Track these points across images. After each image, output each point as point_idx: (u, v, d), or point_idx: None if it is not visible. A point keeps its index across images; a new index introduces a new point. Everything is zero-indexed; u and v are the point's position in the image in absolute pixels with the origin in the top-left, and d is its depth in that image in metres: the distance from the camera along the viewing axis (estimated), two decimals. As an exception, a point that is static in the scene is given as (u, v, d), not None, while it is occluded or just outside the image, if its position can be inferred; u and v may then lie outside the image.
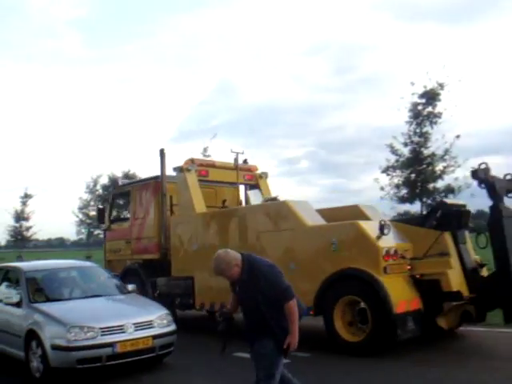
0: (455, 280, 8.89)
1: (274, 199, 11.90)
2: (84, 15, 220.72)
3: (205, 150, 24.08)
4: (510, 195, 9.39)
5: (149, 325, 8.45)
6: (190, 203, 12.14)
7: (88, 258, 29.08)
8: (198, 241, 11.81)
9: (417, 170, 25.94)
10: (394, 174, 26.34)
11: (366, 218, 10.41)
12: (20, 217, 50.40)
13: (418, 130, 26.11)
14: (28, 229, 51.02)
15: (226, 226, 11.21)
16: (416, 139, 26.12)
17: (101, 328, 7.96)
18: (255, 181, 14.05)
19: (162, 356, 8.83)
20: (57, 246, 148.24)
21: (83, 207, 52.92)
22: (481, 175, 9.06)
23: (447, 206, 9.72)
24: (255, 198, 13.69)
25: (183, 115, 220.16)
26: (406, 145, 26.33)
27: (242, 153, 13.35)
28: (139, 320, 8.40)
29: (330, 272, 9.10)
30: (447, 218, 9.41)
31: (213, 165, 13.39)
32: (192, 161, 12.87)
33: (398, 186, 26.27)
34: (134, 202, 14.03)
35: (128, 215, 14.62)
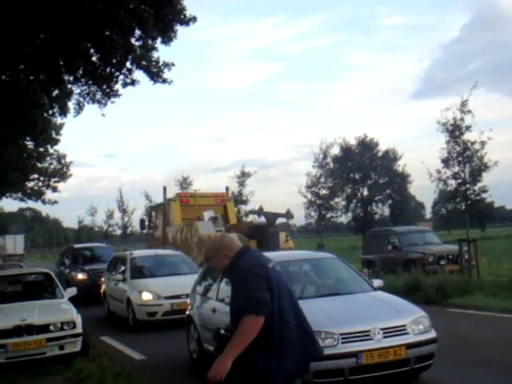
0: None
1: (216, 218, 24.89)
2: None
3: (462, 104, 22.81)
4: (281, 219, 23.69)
5: (401, 330, 8.36)
6: (173, 219, 26.77)
7: (320, 248, 29.55)
8: (173, 240, 25.91)
9: None
10: None
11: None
12: (238, 200, 52.25)
13: None
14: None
15: (181, 232, 25.56)
16: None
17: (341, 334, 8.01)
18: (224, 203, 27.67)
19: (418, 370, 8.62)
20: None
21: (312, 185, 53.38)
22: (255, 212, 25.12)
23: (253, 227, 23.60)
24: (208, 215, 25.40)
25: (428, 62, 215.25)
26: None
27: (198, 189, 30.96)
28: (389, 324, 8.29)
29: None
30: (253, 233, 22.02)
31: (191, 195, 27.93)
32: (179, 194, 28.58)
33: None
34: (156, 216, 29.71)
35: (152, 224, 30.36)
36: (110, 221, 64.95)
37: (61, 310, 12.61)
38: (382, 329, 8.09)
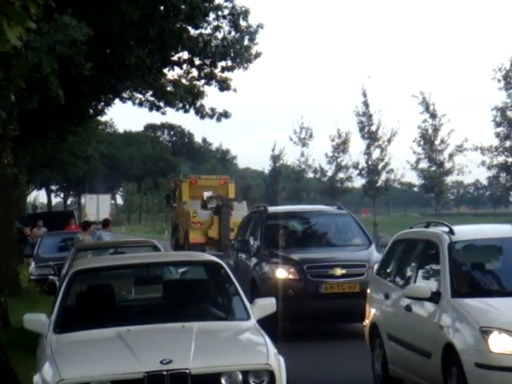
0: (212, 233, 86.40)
1: (211, 197, 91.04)
2: None
3: None
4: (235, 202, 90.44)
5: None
6: (182, 197, 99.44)
7: None
8: (181, 213, 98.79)
9: None
10: None
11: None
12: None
13: None
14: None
15: (182, 208, 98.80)
16: None
17: None
18: (226, 185, 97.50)
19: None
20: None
21: None
22: (214, 197, 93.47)
23: (216, 206, 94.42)
24: (206, 194, 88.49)
25: None
26: None
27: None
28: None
29: None
30: (215, 211, 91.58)
31: (199, 177, 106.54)
32: (189, 177, 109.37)
33: None
34: (178, 192, 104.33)
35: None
36: (341, 157, 64.41)
37: (244, 344, 12.85)
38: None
